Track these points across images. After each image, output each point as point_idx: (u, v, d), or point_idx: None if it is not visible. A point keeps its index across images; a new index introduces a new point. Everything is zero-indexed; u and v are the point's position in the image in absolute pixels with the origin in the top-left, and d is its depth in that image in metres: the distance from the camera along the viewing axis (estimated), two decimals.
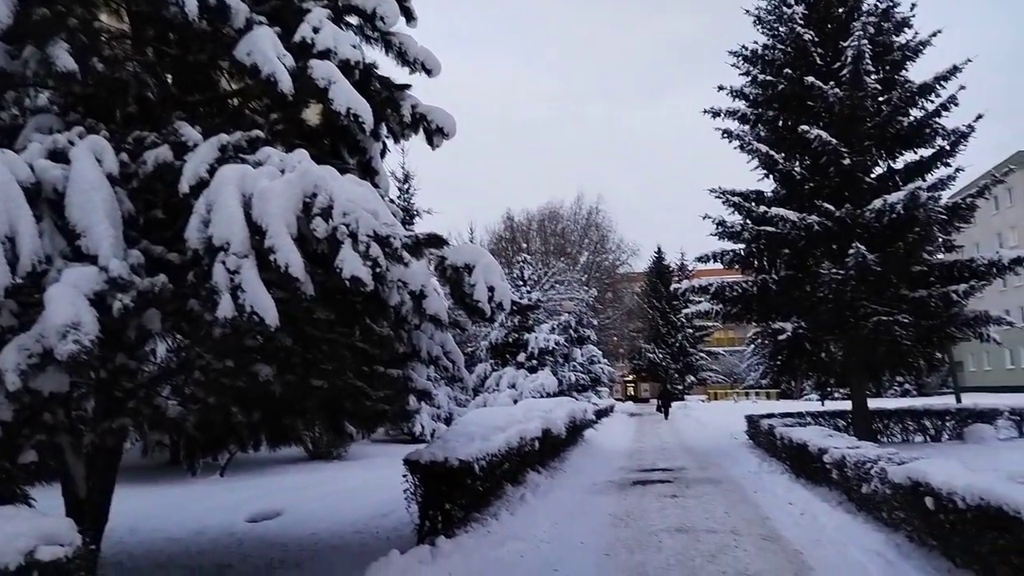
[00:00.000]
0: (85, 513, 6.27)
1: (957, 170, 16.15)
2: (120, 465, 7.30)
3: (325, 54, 5.95)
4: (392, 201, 24.94)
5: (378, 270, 4.71)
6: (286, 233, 4.58)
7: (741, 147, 17.47)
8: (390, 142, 7.76)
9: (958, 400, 24.33)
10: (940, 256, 17.19)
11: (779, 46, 17.70)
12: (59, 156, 4.85)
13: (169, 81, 6.92)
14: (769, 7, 18.11)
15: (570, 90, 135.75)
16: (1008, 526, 4.96)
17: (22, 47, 5.36)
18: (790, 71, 17.00)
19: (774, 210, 15.93)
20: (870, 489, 7.96)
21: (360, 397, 6.89)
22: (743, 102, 18.24)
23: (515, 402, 20.48)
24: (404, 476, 7.86)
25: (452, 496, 7.80)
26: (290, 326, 5.89)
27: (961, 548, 5.81)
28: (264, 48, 5.69)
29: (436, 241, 5.43)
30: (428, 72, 7.02)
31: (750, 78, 17.93)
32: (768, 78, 17.41)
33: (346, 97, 5.75)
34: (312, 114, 7.23)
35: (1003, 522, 5.02)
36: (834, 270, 14.97)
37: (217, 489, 13.29)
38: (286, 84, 5.57)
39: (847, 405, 18.12)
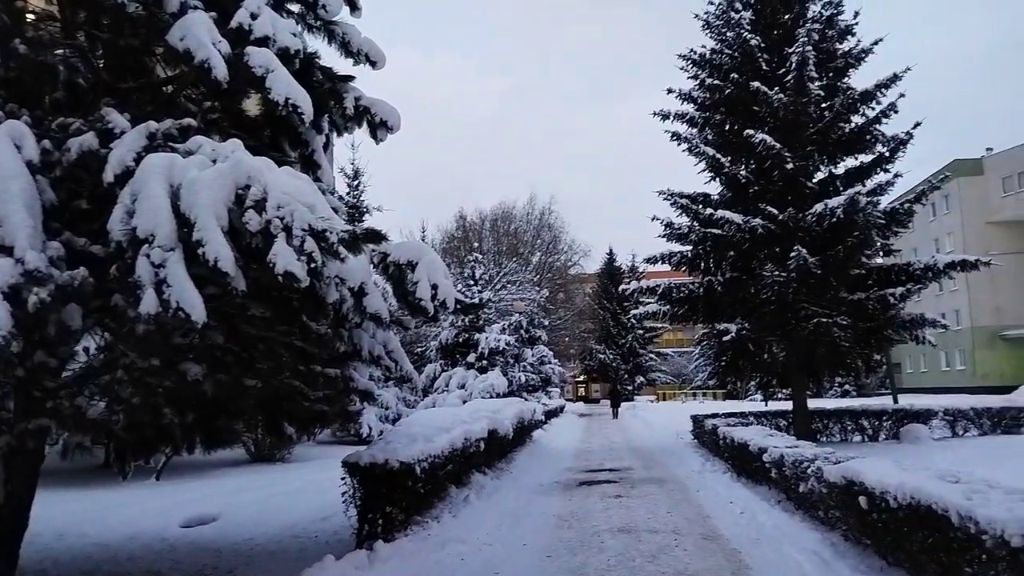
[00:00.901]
0: (2, 518, 5.96)
1: (896, 176, 16.65)
2: (50, 468, 6.97)
3: (263, 41, 5.76)
4: (341, 198, 24.41)
5: (313, 265, 4.56)
6: (216, 226, 4.39)
7: (689, 150, 17.68)
8: (344, 137, 7.60)
9: (895, 401, 25.16)
10: (878, 260, 17.73)
11: (726, 51, 17.97)
12: None
13: (101, 67, 6.62)
14: (717, 12, 18.36)
15: (523, 89, 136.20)
16: (937, 525, 5.04)
17: None
18: (737, 76, 17.26)
19: (720, 212, 16.16)
20: (807, 488, 8.09)
21: (298, 397, 6.70)
22: (691, 105, 18.45)
23: (464, 402, 20.35)
24: (342, 479, 7.67)
25: (392, 499, 7.64)
26: (223, 323, 5.68)
27: (893, 546, 5.91)
28: (198, 33, 5.47)
29: (375, 236, 5.29)
30: (373, 64, 6.87)
31: (698, 82, 18.15)
32: (715, 82, 17.64)
33: (284, 86, 5.57)
34: (252, 105, 7.00)
35: (932, 521, 5.10)
36: (776, 272, 15.25)
37: (152, 493, 12.84)
38: (221, 71, 5.36)
39: (789, 405, 18.50)
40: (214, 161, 4.75)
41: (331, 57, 6.95)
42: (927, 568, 5.36)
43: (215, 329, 5.37)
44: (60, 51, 6.26)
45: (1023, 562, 4.11)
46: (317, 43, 6.86)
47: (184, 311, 4.21)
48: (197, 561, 7.77)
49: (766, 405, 26.03)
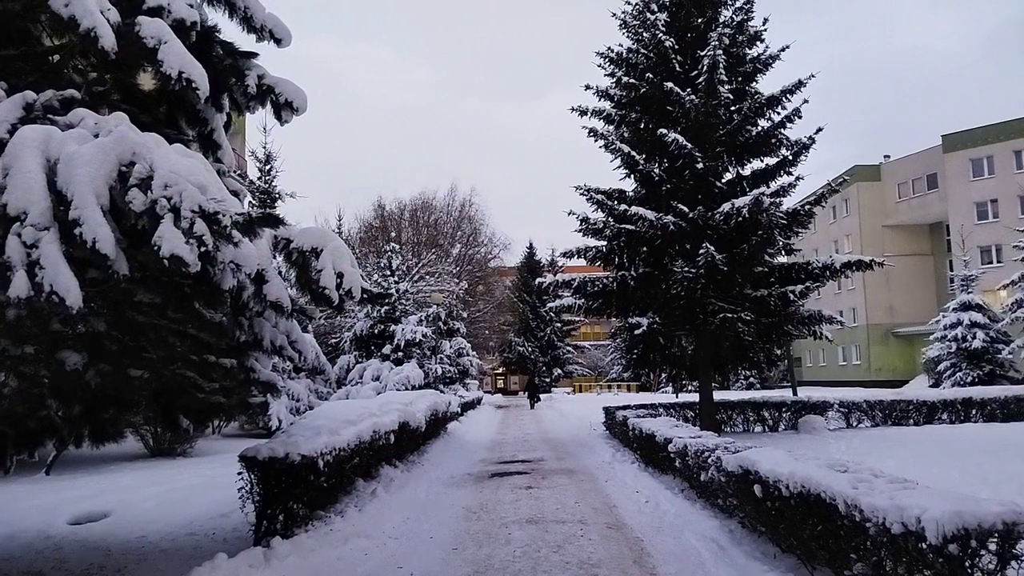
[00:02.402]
0: None
1: (798, 178, 17.33)
2: None
3: (157, 11, 5.43)
4: (252, 182, 23.34)
5: (204, 249, 4.31)
6: (95, 204, 4.09)
7: (606, 146, 17.90)
8: (256, 121, 7.27)
9: (794, 393, 26.38)
10: (781, 258, 18.48)
11: (642, 50, 18.28)
12: None
13: None
14: (634, 12, 18.64)
15: (448, 81, 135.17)
16: (826, 513, 5.21)
17: None
18: (652, 75, 17.57)
19: (634, 209, 16.43)
20: (708, 477, 8.33)
21: (192, 389, 6.40)
22: (608, 102, 18.68)
23: (379, 394, 20.03)
24: (239, 474, 7.38)
25: (293, 494, 7.40)
26: (108, 310, 5.36)
27: (786, 533, 6.09)
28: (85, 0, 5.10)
29: (272, 220, 5.08)
30: (278, 41, 6.59)
31: (615, 80, 18.39)
32: (631, 81, 17.91)
33: (178, 60, 5.26)
34: (148, 79, 6.61)
35: (821, 509, 5.28)
36: (686, 268, 15.67)
37: (40, 489, 12.06)
38: (108, 41, 5.00)
39: (698, 397, 19.08)
40: (96, 135, 4.44)
41: (233, 32, 6.64)
42: (817, 555, 5.55)
43: (97, 315, 5.05)
44: None
45: (903, 548, 4.31)
46: (217, 17, 6.53)
47: (58, 295, 3.91)
48: (84, 560, 7.33)
49: (676, 397, 26.86)
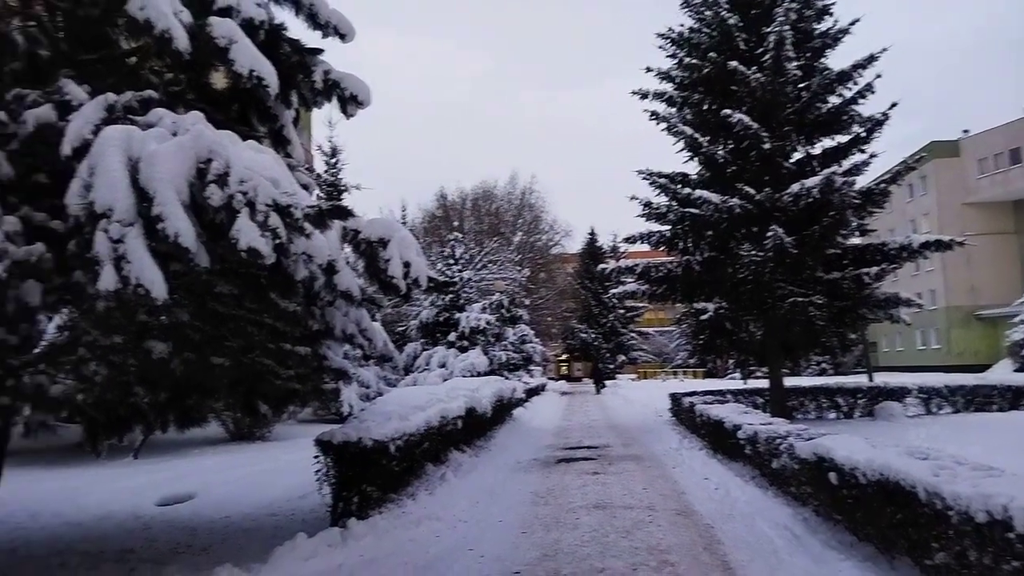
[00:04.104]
0: None
1: (871, 156, 16.71)
2: (25, 448, 6.84)
3: (227, 11, 5.62)
4: (319, 176, 23.98)
5: (278, 241, 4.48)
6: (176, 200, 4.29)
7: (668, 129, 17.65)
8: (323, 115, 7.46)
9: (870, 379, 25.48)
10: (854, 240, 17.83)
11: (704, 29, 17.90)
12: None
13: (60, 37, 6.43)
14: None
15: (505, 71, 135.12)
16: (905, 501, 5.07)
17: None
18: (715, 55, 17.20)
19: (698, 192, 16.18)
20: (779, 464, 8.17)
21: (269, 376, 6.64)
22: (670, 84, 18.37)
23: (445, 381, 20.34)
24: (315, 457, 7.63)
25: (366, 477, 7.61)
26: (190, 301, 5.60)
27: (863, 522, 5.96)
28: (159, 3, 5.30)
29: (342, 212, 5.21)
30: (342, 36, 6.73)
31: (677, 61, 18.09)
32: (694, 61, 17.58)
33: (249, 58, 5.44)
34: (220, 78, 6.85)
35: (900, 497, 5.13)
36: (754, 252, 15.33)
37: (128, 472, 12.74)
38: (182, 42, 5.22)
39: (767, 383, 18.69)
40: (174, 134, 4.64)
41: (299, 29, 6.81)
42: (896, 543, 5.41)
43: (180, 307, 5.29)
44: (18, 21, 6.08)
45: (988, 538, 4.15)
46: (284, 14, 6.70)
47: (144, 287, 4.12)
48: (172, 539, 7.72)
49: (744, 383, 26.36)
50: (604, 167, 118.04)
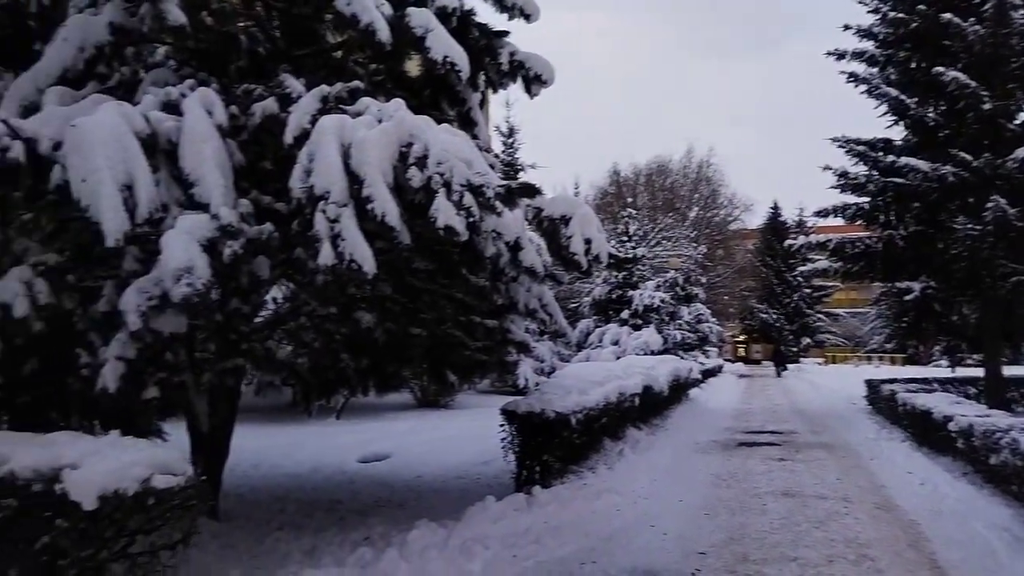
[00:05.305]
0: (208, 447, 6.77)
1: None
2: (247, 406, 7.78)
3: (422, 1, 5.91)
4: (497, 156, 24.91)
5: (472, 220, 4.70)
6: (382, 182, 4.63)
7: (868, 92, 16.29)
8: (499, 95, 7.73)
9: None
10: None
11: None
12: (172, 108, 5.07)
13: (277, 35, 7.11)
14: None
15: (680, 41, 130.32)
16: None
17: (139, 3, 5.59)
18: (924, 7, 15.56)
19: (903, 160, 14.84)
20: (999, 460, 7.39)
21: (459, 347, 7.01)
22: (871, 42, 16.93)
23: (618, 358, 20.32)
24: (500, 426, 7.96)
25: (549, 447, 7.84)
26: (390, 276, 6.03)
27: None
28: None
29: (529, 191, 5.35)
30: (527, 17, 6.87)
31: (879, 16, 16.58)
32: (899, 15, 16.03)
33: (443, 45, 5.71)
34: (413, 65, 7.26)
35: None
36: (970, 225, 13.81)
37: (333, 431, 13.98)
38: (384, 33, 5.58)
39: (980, 372, 16.88)
40: (379, 121, 4.99)
41: (485, 12, 7.02)
42: None
43: (384, 281, 5.72)
44: (240, 22, 6.78)
45: None
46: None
47: (357, 263, 4.50)
48: (373, 493, 8.42)
49: (952, 371, 23.88)
50: (788, 136, 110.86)
